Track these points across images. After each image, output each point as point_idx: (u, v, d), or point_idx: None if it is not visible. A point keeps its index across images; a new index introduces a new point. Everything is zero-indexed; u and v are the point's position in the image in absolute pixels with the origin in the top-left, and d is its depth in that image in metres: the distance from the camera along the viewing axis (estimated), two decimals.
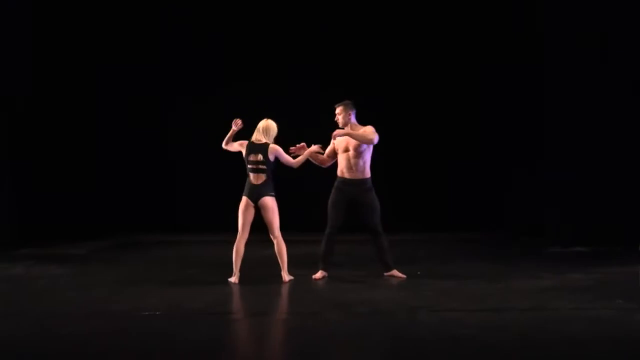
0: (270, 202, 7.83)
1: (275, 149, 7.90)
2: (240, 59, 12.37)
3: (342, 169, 8.20)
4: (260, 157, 7.84)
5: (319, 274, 8.20)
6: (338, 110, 8.18)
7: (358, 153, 8.07)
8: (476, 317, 6.26)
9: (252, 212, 7.90)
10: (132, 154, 12.55)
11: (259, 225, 7.96)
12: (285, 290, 7.62)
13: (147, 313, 6.39)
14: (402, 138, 12.02)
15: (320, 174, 8.64)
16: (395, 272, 8.24)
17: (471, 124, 12.40)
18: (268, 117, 8.02)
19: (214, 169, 11.79)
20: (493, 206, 12.23)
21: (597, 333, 5.73)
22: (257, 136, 7.93)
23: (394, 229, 9.30)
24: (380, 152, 8.40)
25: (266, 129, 7.95)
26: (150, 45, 12.44)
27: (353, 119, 8.17)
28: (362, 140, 7.98)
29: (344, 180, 8.18)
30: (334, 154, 8.30)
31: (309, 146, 8.10)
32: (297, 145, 8.12)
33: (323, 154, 8.28)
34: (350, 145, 8.10)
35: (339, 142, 8.18)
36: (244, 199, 7.88)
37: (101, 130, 12.40)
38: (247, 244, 7.91)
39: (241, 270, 7.90)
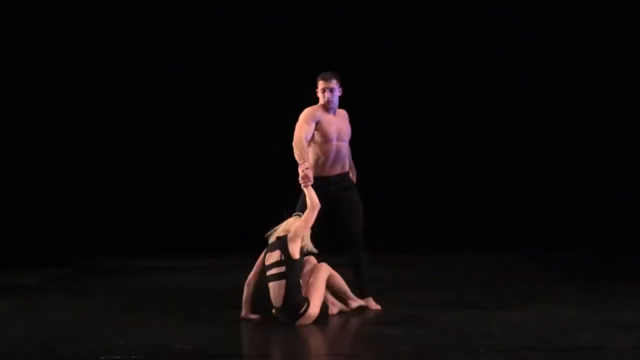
0: None
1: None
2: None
3: (327, 163, 6.03)
4: None
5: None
6: (335, 83, 5.94)
7: (347, 142, 6.13)
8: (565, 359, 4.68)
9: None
10: (93, 163, 10.57)
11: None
12: (303, 329, 5.69)
13: (119, 357, 4.78)
14: (466, 141, 10.51)
15: None
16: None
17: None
18: None
19: (193, 182, 10.31)
20: (577, 218, 10.15)
21: None
22: None
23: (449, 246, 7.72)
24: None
25: None
26: None
27: None
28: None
29: (330, 178, 6.05)
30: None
31: None
32: None
33: None
34: (345, 132, 6.08)
35: (327, 125, 5.95)
36: None
37: (53, 134, 10.51)
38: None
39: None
